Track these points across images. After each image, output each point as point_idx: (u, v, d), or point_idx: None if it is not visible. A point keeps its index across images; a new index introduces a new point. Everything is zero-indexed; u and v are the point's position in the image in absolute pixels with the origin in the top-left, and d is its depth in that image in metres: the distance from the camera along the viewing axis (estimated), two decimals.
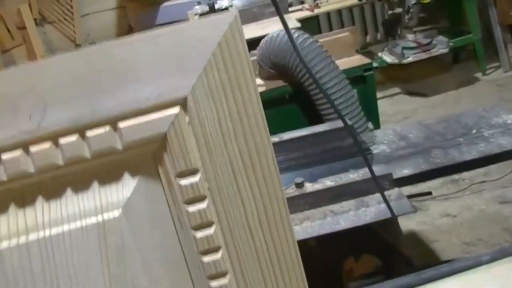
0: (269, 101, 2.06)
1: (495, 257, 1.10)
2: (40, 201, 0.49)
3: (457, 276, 1.08)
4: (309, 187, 1.61)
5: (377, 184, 1.26)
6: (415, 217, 2.87)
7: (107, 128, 0.47)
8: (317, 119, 2.07)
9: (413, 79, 4.31)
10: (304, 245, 1.68)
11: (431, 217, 2.90)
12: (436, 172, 1.70)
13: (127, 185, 0.49)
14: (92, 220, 0.49)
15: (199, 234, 0.50)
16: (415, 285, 1.08)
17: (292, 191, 1.61)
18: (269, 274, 0.52)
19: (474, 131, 1.85)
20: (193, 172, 0.48)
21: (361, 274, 1.74)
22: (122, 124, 0.47)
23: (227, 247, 0.50)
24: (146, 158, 0.49)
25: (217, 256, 0.50)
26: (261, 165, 0.50)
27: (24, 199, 0.49)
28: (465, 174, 3.17)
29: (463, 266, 1.09)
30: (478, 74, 4.25)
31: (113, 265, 0.49)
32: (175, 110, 0.47)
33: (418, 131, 1.93)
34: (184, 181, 0.48)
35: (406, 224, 2.66)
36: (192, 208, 0.49)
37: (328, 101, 1.81)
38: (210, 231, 0.50)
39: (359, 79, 2.25)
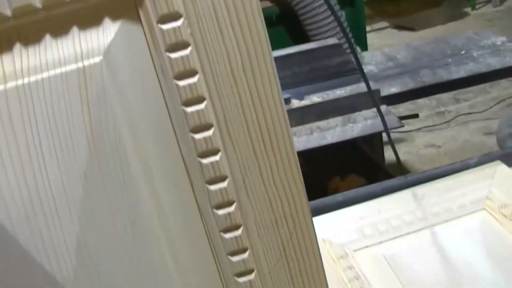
0: None
1: (481, 161, 1.10)
2: (18, 47, 0.47)
3: (445, 179, 1.08)
4: (296, 103, 1.60)
5: (371, 95, 1.24)
6: (400, 148, 2.88)
7: None
8: (305, 41, 2.04)
9: (402, 13, 4.27)
10: None
11: (416, 147, 2.91)
12: (424, 91, 1.70)
13: (108, 31, 0.48)
14: (72, 66, 0.47)
15: (182, 83, 0.48)
16: (402, 188, 1.09)
17: None
18: (254, 128, 0.51)
19: (463, 52, 1.84)
20: (176, 17, 0.47)
21: None
22: None
23: (211, 98, 0.49)
24: (127, 2, 0.47)
25: (201, 106, 0.49)
26: (246, 12, 0.48)
27: (1, 45, 0.47)
28: (451, 107, 3.18)
29: (451, 169, 1.10)
30: (468, 9, 4.22)
31: (94, 112, 0.48)
32: None
33: (406, 52, 1.92)
34: (166, 26, 0.47)
35: (391, 154, 2.68)
36: (174, 55, 0.48)
37: (332, 13, 1.78)
38: (193, 80, 0.48)
39: (348, 0, 2.21)
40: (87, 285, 0.51)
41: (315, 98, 1.61)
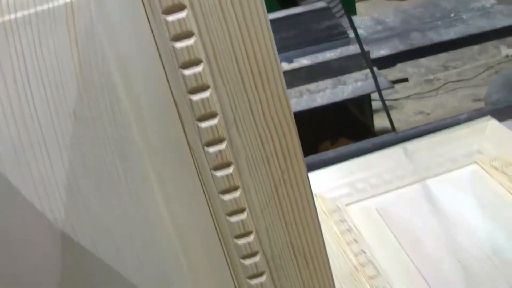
0: None
1: (472, 116, 1.10)
2: None
3: (436, 134, 1.08)
4: (285, 66, 1.59)
5: (364, 55, 1.24)
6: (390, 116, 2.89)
7: None
8: (293, 5, 2.03)
9: None
10: None
11: (406, 115, 2.92)
12: (414, 53, 1.69)
13: None
14: (60, 1, 0.47)
15: (171, 18, 0.48)
16: (392, 144, 1.09)
17: None
18: (244, 64, 0.50)
19: (452, 14, 1.84)
20: None
21: None
22: None
23: (200, 33, 0.49)
24: None
25: (190, 41, 0.49)
26: None
27: None
28: (439, 74, 3.18)
29: (442, 125, 1.10)
30: None
31: (82, 48, 0.47)
32: None
33: (395, 16, 1.91)
34: None
35: (380, 122, 2.69)
36: None
37: None
38: (182, 14, 0.48)
39: None
40: (78, 224, 0.51)
41: (305, 61, 1.61)
